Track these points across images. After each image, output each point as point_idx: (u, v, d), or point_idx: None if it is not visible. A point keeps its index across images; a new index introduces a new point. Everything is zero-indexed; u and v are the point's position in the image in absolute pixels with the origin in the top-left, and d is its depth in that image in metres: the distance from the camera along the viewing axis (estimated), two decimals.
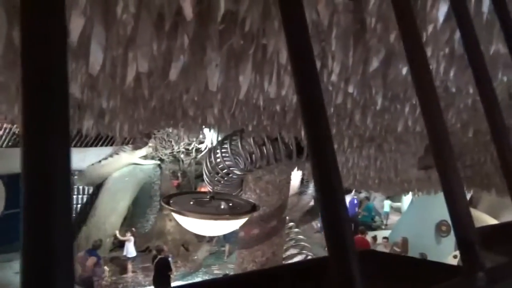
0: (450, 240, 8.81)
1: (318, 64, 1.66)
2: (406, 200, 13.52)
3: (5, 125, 8.91)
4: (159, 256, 7.99)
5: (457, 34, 1.60)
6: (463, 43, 0.50)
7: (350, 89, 2.06)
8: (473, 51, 0.48)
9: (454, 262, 8.33)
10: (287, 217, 7.57)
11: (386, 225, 14.56)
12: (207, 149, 10.03)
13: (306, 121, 0.31)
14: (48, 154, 0.19)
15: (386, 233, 11.38)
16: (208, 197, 3.84)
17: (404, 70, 1.92)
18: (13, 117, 3.08)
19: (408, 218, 10.71)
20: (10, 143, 9.54)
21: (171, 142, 10.44)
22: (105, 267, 8.89)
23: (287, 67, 1.65)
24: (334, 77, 1.82)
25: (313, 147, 0.31)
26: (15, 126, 8.56)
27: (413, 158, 6.39)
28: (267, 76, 1.79)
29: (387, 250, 9.75)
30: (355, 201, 14.68)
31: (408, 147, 5.76)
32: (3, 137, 9.33)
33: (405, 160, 6.46)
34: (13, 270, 9.35)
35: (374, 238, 10.54)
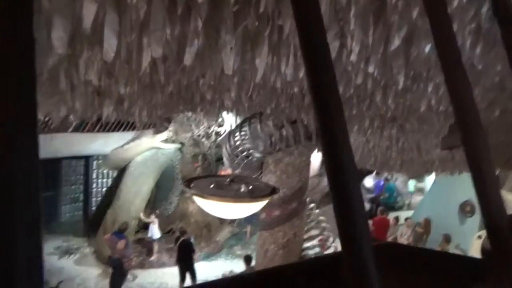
0: (475, 221, 8.64)
1: (337, 44, 1.60)
2: (430, 180, 13.29)
3: None
4: (182, 238, 8.16)
5: (484, 8, 1.51)
6: (496, 16, 0.46)
7: (371, 69, 2.00)
8: (507, 26, 0.44)
9: (478, 243, 8.19)
10: (308, 199, 7.57)
11: (409, 205, 14.40)
12: (226, 132, 10.07)
13: (317, 107, 0.29)
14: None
15: (409, 213, 11.24)
16: (228, 180, 3.86)
17: (427, 48, 1.85)
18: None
19: (431, 199, 10.54)
20: None
21: (191, 125, 10.51)
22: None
23: None
24: (353, 57, 1.76)
25: (325, 136, 0.29)
26: (41, 113, 8.78)
27: (436, 138, 6.23)
28: (284, 58, 1.75)
29: (409, 231, 9.66)
30: (381, 183, 14.55)
31: (431, 127, 5.62)
32: None
33: (428, 140, 6.31)
34: (46, 251, 9.69)
35: (396, 218, 10.44)
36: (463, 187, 8.36)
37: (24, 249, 0.17)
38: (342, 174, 0.27)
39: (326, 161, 0.29)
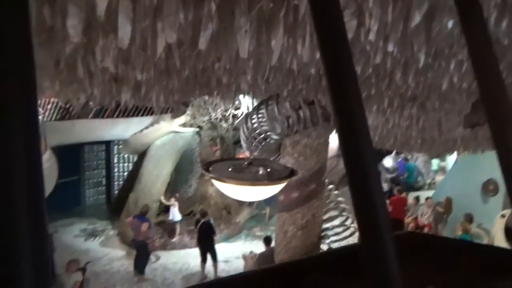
0: (498, 200, 8.45)
1: (354, 23, 1.56)
2: (451, 159, 13.03)
3: (52, 99, 9.35)
4: (202, 220, 8.28)
5: None
6: None
7: (390, 48, 1.94)
8: None
9: (502, 222, 8.03)
10: (326, 180, 7.55)
11: (433, 183, 14.18)
12: (243, 115, 10.06)
13: (332, 87, 0.27)
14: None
15: (430, 193, 11.09)
16: (246, 163, 3.87)
17: (450, 24, 1.77)
18: (55, 92, 3.22)
19: (453, 178, 10.35)
20: (58, 117, 10.05)
21: (208, 109, 10.54)
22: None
23: None
24: (372, 36, 1.71)
25: (341, 120, 0.28)
26: (61, 100, 8.96)
27: (459, 116, 6.07)
28: (300, 39, 1.71)
29: (429, 210, 9.55)
30: (403, 162, 14.41)
31: (453, 105, 5.46)
32: (52, 110, 9.83)
33: (449, 119, 6.16)
34: (72, 234, 10.15)
35: (417, 198, 10.32)
36: (486, 165, 8.16)
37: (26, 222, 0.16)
38: (359, 160, 0.26)
39: (343, 147, 0.28)
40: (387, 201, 11.69)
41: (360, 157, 0.26)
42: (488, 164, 8.59)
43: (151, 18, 1.37)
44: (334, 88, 0.27)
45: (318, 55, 1.76)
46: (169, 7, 1.20)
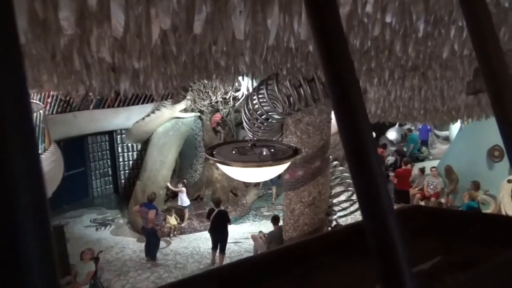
0: (504, 165, 8.45)
1: None
2: (454, 128, 12.97)
3: (51, 93, 9.33)
4: (218, 209, 8.07)
5: None
6: None
7: (388, 19, 1.90)
8: None
9: (509, 187, 8.06)
10: (331, 156, 7.56)
11: (435, 154, 14.20)
12: (244, 96, 10.00)
13: (324, 59, 0.27)
14: None
15: (435, 163, 11.10)
16: (249, 145, 3.88)
17: None
18: (54, 86, 3.20)
19: (458, 146, 10.32)
20: (59, 110, 10.05)
21: (208, 93, 10.49)
22: (170, 216, 9.50)
23: None
24: (369, 8, 1.67)
25: (337, 96, 0.27)
26: (61, 92, 8.93)
27: (461, 83, 6.01)
28: (296, 16, 1.68)
29: (436, 180, 9.58)
30: (428, 127, 14.40)
31: (455, 73, 5.40)
32: (52, 104, 9.81)
33: (452, 87, 6.10)
34: (82, 224, 10.31)
35: (422, 170, 10.33)
36: (491, 132, 8.13)
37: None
38: (357, 135, 0.25)
39: (340, 123, 0.27)
40: (392, 174, 11.74)
41: (357, 135, 0.26)
42: (493, 130, 8.54)
43: (144, 4, 1.34)
44: (328, 68, 0.26)
45: None
46: None
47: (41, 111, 5.97)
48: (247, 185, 11.31)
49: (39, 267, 0.16)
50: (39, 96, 9.19)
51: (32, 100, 8.14)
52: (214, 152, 3.89)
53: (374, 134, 13.30)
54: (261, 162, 3.62)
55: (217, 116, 11.67)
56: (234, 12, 1.34)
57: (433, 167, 10.07)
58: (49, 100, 9.75)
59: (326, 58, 0.26)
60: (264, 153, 3.74)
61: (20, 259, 0.15)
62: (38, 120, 5.63)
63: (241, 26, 1.43)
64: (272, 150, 3.92)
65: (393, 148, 13.68)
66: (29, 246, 0.16)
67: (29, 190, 0.17)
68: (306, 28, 1.71)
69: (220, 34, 1.68)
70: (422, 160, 13.33)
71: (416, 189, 9.97)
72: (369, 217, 0.24)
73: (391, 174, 12.01)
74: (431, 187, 9.66)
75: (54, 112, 9.86)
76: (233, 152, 3.81)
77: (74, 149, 11.17)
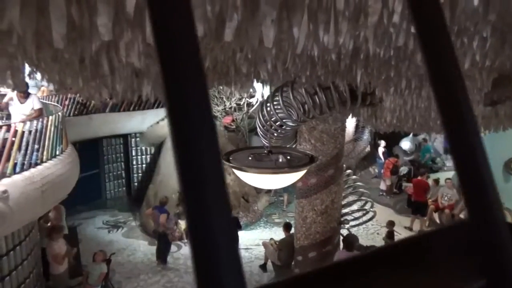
0: None
1: (379, 6, 1.53)
2: None
3: (69, 95, 9.49)
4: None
5: None
6: None
7: (414, 29, 1.90)
8: None
9: None
10: (344, 165, 7.51)
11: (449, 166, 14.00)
12: (258, 102, 10.03)
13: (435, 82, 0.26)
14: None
15: (449, 174, 10.94)
16: (265, 151, 3.89)
17: (476, 1, 1.73)
18: (78, 89, 3.27)
19: None
20: (76, 112, 10.21)
21: (222, 98, 10.56)
22: (181, 220, 9.53)
23: (345, 12, 1.55)
24: (396, 18, 1.68)
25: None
26: (78, 95, 9.09)
27: (479, 94, 5.94)
28: (322, 25, 1.69)
29: (451, 192, 9.44)
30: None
31: (474, 83, 5.35)
32: (69, 106, 9.98)
33: (469, 97, 6.03)
34: (95, 226, 10.40)
35: (436, 181, 10.19)
36: (508, 144, 8.01)
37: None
38: (467, 139, 0.25)
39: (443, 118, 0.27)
40: (406, 184, 11.59)
41: (468, 134, 0.25)
42: (510, 143, 8.41)
43: None
44: (438, 82, 0.26)
45: (341, 40, 1.75)
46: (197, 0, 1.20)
47: (59, 113, 6.08)
48: (258, 191, 11.30)
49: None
50: (57, 98, 9.36)
51: (50, 102, 8.31)
52: (231, 158, 3.92)
53: (383, 143, 13.21)
54: (277, 169, 3.63)
55: (227, 119, 11.70)
56: (265, 20, 1.36)
57: (448, 178, 9.92)
58: (67, 102, 9.93)
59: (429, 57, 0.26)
60: (280, 160, 3.75)
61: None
62: (57, 122, 5.73)
63: (270, 34, 1.44)
64: (288, 157, 3.93)
65: (407, 158, 13.55)
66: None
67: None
68: (332, 36, 1.72)
69: (246, 41, 1.70)
70: (437, 171, 13.16)
71: (430, 200, 9.84)
72: (475, 211, 0.24)
73: (405, 184, 11.88)
74: (446, 198, 9.52)
75: (71, 114, 10.02)
76: (250, 158, 3.83)
77: (89, 151, 11.31)
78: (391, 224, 8.41)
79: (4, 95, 6.15)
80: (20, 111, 5.72)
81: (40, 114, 5.74)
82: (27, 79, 3.63)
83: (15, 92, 5.67)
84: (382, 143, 13.23)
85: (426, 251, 0.42)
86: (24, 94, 5.72)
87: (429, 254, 0.41)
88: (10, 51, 1.70)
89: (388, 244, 0.48)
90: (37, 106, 5.80)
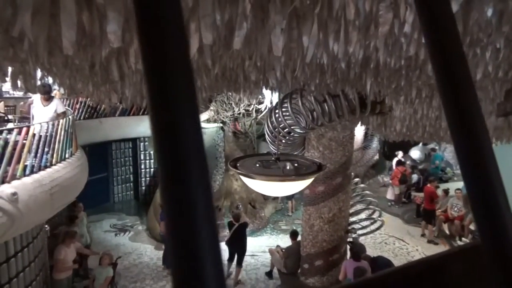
0: None
1: (390, 15, 1.52)
2: None
3: (80, 99, 9.60)
4: (238, 223, 7.85)
5: None
6: None
7: (424, 39, 1.88)
8: None
9: None
10: (352, 173, 7.45)
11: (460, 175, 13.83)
12: (266, 109, 10.03)
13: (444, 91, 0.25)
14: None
15: (459, 184, 10.79)
16: (273, 158, 3.87)
17: (489, 12, 1.71)
18: (88, 94, 3.29)
19: None
20: (86, 115, 10.32)
21: (231, 104, 10.58)
22: None
23: (355, 22, 1.54)
24: (407, 28, 1.66)
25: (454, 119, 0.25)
26: (88, 99, 9.19)
27: (491, 105, 5.87)
28: (333, 34, 1.68)
29: (460, 202, 9.30)
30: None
31: (486, 93, 5.29)
32: (80, 110, 10.09)
33: (482, 108, 5.95)
34: (102, 229, 10.45)
35: (446, 191, 10.05)
36: None
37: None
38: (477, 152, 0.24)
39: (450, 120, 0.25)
40: (415, 194, 11.47)
41: (476, 153, 0.24)
42: None
43: (186, 18, 1.37)
44: (447, 90, 0.25)
45: (351, 49, 1.73)
46: (206, 8, 1.20)
47: (70, 117, 6.13)
48: (265, 198, 11.26)
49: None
50: (68, 102, 9.47)
51: None
52: (238, 164, 3.91)
53: (401, 154, 13.06)
54: (284, 176, 3.61)
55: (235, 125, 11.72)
56: (274, 29, 1.36)
57: (458, 189, 9.78)
58: (77, 106, 10.04)
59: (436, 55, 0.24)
60: (288, 167, 3.72)
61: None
62: (67, 125, 5.78)
63: (279, 43, 1.44)
64: (296, 164, 3.90)
65: (418, 167, 13.41)
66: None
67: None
68: (342, 45, 1.71)
69: (256, 49, 1.70)
70: (446, 181, 12.99)
71: (439, 210, 9.70)
72: (486, 232, 0.22)
73: (414, 194, 11.74)
74: (455, 209, 9.38)
75: (82, 118, 10.13)
76: (257, 165, 3.81)
77: (98, 154, 11.40)
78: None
79: (26, 99, 6.18)
80: (42, 114, 5.77)
81: (63, 118, 5.79)
82: (50, 82, 3.65)
83: (38, 95, 5.74)
84: (400, 154, 12.94)
85: (440, 274, 0.40)
86: (47, 97, 5.78)
87: (442, 278, 0.39)
88: (22, 57, 1.72)
89: (401, 267, 0.46)
90: (61, 109, 5.85)
